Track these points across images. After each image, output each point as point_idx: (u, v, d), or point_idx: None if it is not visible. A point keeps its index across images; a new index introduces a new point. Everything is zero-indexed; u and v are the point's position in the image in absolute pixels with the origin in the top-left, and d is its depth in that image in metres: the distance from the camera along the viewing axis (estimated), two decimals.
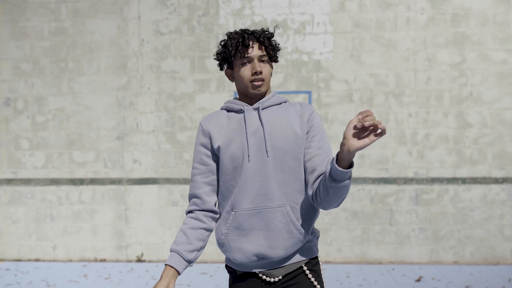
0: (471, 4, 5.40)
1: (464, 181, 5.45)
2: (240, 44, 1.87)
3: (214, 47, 5.58)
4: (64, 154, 5.71)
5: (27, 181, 5.74)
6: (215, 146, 1.92)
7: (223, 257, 5.65)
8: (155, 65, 5.63)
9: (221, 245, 1.93)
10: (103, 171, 5.68)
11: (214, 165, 1.96)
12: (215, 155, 1.95)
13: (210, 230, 1.96)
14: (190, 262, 1.90)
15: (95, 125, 5.68)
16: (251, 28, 5.53)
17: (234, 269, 1.95)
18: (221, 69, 1.98)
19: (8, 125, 5.75)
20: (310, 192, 1.89)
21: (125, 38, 5.64)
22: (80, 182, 5.70)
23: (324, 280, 2.05)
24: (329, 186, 1.70)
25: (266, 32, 1.94)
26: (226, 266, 1.99)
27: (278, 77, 5.53)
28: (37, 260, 5.76)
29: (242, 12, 5.55)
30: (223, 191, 1.94)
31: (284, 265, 1.91)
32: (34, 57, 5.72)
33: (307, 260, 1.94)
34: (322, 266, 2.04)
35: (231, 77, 1.96)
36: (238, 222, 1.88)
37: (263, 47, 1.90)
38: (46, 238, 5.74)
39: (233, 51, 1.88)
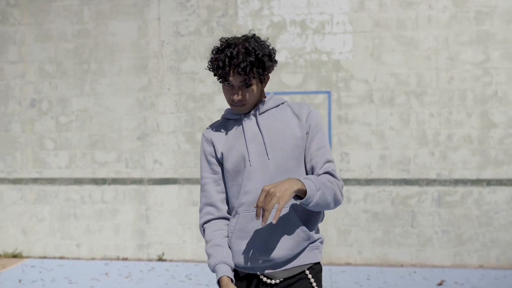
0: (495, 1, 5.26)
1: (489, 183, 5.31)
2: (221, 70, 1.85)
3: None
4: (87, 154, 5.81)
5: (51, 181, 5.87)
6: (219, 154, 1.96)
7: None
8: (175, 66, 5.68)
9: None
10: (125, 171, 5.77)
11: (221, 172, 2.00)
12: (220, 163, 1.99)
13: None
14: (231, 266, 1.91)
15: (117, 125, 5.76)
16: (269, 30, 5.52)
17: (237, 270, 1.97)
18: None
19: (33, 126, 5.89)
20: None
21: (146, 39, 5.71)
22: (103, 182, 5.79)
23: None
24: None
25: (252, 53, 1.83)
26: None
27: (297, 78, 5.51)
28: (61, 257, 5.88)
29: (260, 13, 5.54)
30: (229, 197, 1.98)
31: (287, 267, 1.91)
32: (58, 59, 5.84)
33: (310, 265, 1.94)
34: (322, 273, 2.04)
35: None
36: (241, 225, 1.90)
37: (244, 72, 1.83)
38: (70, 236, 5.86)
39: (214, 71, 1.88)
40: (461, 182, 5.35)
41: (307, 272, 1.93)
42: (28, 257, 5.92)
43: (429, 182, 5.39)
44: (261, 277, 1.92)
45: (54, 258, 5.88)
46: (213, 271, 1.89)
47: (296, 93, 5.51)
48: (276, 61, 1.94)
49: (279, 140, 1.91)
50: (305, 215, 1.92)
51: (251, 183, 1.89)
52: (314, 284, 1.94)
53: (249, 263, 1.90)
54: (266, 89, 5.54)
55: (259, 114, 1.96)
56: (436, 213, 5.38)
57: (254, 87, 1.89)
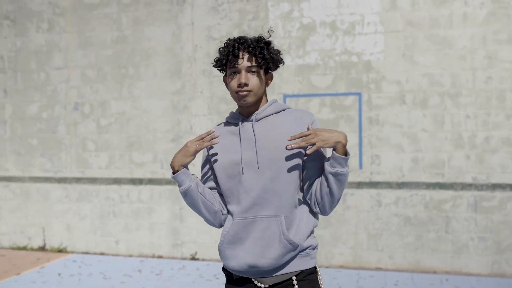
0: None
1: None
2: (231, 53, 1.89)
3: None
4: (125, 155, 6.06)
5: (93, 180, 6.17)
6: (210, 157, 2.02)
7: None
8: (207, 70, 5.80)
9: (219, 251, 2.00)
10: (160, 172, 5.96)
11: (210, 172, 2.06)
12: (210, 163, 2.04)
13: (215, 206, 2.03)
14: (192, 181, 1.97)
15: (152, 127, 5.96)
16: (299, 31, 5.51)
17: (231, 273, 2.01)
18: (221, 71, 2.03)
19: (76, 128, 6.22)
20: (308, 195, 1.95)
21: (180, 44, 5.87)
22: (139, 182, 6.02)
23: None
24: (330, 177, 1.85)
25: (262, 40, 1.92)
26: (223, 269, 2.05)
27: (327, 79, 5.46)
28: (101, 254, 6.17)
29: (291, 15, 5.54)
30: (225, 198, 2.01)
31: (274, 275, 1.92)
32: (99, 64, 6.12)
33: (299, 272, 1.94)
34: (320, 276, 2.00)
35: (227, 86, 1.99)
36: (234, 231, 1.93)
37: (253, 58, 1.88)
38: (110, 233, 6.14)
39: (224, 60, 1.92)
40: (500, 187, 5.10)
41: (294, 278, 1.93)
42: (72, 252, 6.26)
43: (465, 186, 5.18)
44: (254, 281, 1.95)
45: (95, 254, 6.18)
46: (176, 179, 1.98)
47: (326, 95, 5.47)
48: (282, 60, 1.97)
49: (274, 148, 1.90)
50: (296, 226, 1.92)
51: (244, 191, 1.91)
52: None
53: (239, 268, 1.93)
54: (293, 90, 5.54)
55: (256, 121, 1.96)
56: (472, 218, 5.17)
57: (259, 79, 1.91)
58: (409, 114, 5.28)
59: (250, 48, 1.88)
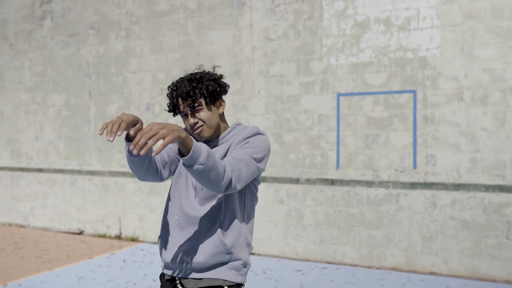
0: None
1: None
2: (171, 103, 2.02)
3: (318, 50, 5.66)
4: None
5: None
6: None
7: (320, 257, 5.69)
8: (264, 70, 5.96)
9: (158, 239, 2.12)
10: None
11: (169, 158, 2.12)
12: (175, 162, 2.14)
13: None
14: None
15: None
16: (353, 29, 5.46)
17: (164, 274, 2.11)
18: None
19: None
20: None
21: (239, 46, 6.10)
22: None
23: None
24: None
25: (194, 80, 1.99)
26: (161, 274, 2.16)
27: (381, 77, 5.36)
28: None
29: (345, 13, 5.52)
30: (171, 196, 2.11)
31: (201, 276, 1.97)
32: (167, 67, 6.56)
33: (229, 285, 1.97)
34: None
35: None
36: (178, 225, 2.02)
37: (191, 99, 1.96)
38: None
39: (170, 108, 2.04)
40: None
41: None
42: (143, 241, 6.76)
43: None
44: (178, 285, 2.01)
45: None
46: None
47: (380, 93, 5.36)
48: (224, 85, 2.04)
49: None
50: (227, 228, 1.98)
51: (178, 198, 2.04)
52: None
53: (170, 260, 2.00)
54: (346, 89, 5.49)
55: (213, 146, 2.06)
56: None
57: (206, 111, 1.99)
58: (468, 112, 5.00)
59: (184, 94, 1.96)
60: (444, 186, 5.09)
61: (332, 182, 5.61)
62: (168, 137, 1.56)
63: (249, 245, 2.06)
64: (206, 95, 1.98)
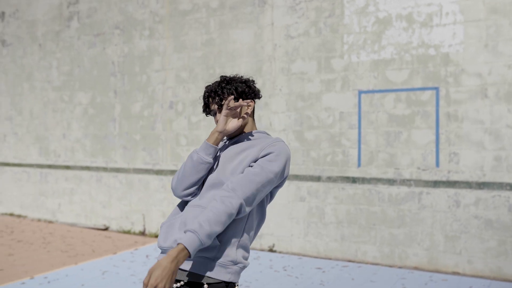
0: None
1: None
2: (204, 103, 2.15)
3: (339, 47, 5.63)
4: None
5: None
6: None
7: (341, 255, 5.67)
8: (286, 68, 5.97)
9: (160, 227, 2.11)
10: None
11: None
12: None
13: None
14: None
15: None
16: (374, 26, 5.42)
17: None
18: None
19: (171, 125, 6.80)
20: None
21: (261, 44, 6.12)
22: None
23: None
24: None
25: (223, 81, 2.10)
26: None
27: (402, 74, 5.30)
28: None
29: (366, 10, 5.48)
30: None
31: (188, 268, 1.90)
32: (190, 66, 6.63)
33: (213, 282, 1.89)
34: None
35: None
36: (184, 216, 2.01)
37: (219, 99, 2.08)
38: None
39: (203, 108, 2.19)
40: None
41: (206, 286, 1.89)
42: None
43: None
44: None
45: None
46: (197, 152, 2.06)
47: (402, 90, 5.30)
48: (255, 88, 2.12)
49: (226, 163, 2.03)
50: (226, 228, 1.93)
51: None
52: None
53: (161, 244, 1.98)
54: (367, 86, 5.45)
55: (230, 140, 2.13)
56: None
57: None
58: (492, 109, 4.90)
59: (213, 94, 2.09)
60: (468, 185, 5.01)
61: (353, 180, 5.58)
62: (167, 285, 1.71)
63: (243, 246, 1.97)
64: (235, 95, 2.07)
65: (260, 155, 1.96)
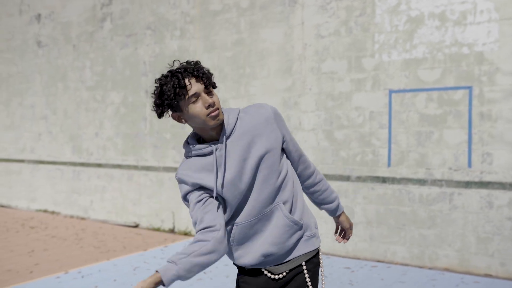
0: None
1: None
2: (178, 86, 1.83)
3: (370, 46, 5.61)
4: None
5: None
6: (202, 189, 1.98)
7: (370, 255, 5.63)
8: (316, 67, 5.97)
9: (229, 254, 2.07)
10: None
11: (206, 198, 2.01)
12: (205, 191, 2.00)
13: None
14: None
15: None
16: (406, 25, 5.38)
17: (243, 267, 2.09)
18: (161, 116, 1.92)
19: None
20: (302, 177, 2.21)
21: (291, 43, 6.13)
22: None
23: (322, 278, 2.16)
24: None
25: (191, 63, 1.92)
26: (235, 263, 2.12)
27: (435, 73, 5.24)
28: None
29: (398, 9, 5.44)
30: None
31: (287, 259, 2.02)
32: (220, 66, 6.69)
33: (309, 258, 2.05)
34: (322, 264, 2.14)
35: (181, 119, 1.93)
36: (241, 234, 2.00)
37: (200, 79, 1.87)
38: None
39: (172, 94, 1.83)
40: None
41: (304, 266, 2.03)
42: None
43: None
44: (265, 272, 2.04)
45: None
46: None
47: (434, 90, 5.24)
48: (212, 73, 1.96)
49: (250, 157, 1.93)
50: (292, 207, 2.02)
51: (243, 202, 1.98)
52: (308, 280, 2.03)
53: (254, 262, 2.01)
54: (399, 86, 5.41)
55: (227, 139, 1.94)
56: None
57: (217, 97, 1.90)
58: None
59: (195, 73, 1.86)
60: (501, 186, 4.92)
61: (383, 180, 5.54)
62: None
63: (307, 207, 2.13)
64: (210, 79, 1.89)
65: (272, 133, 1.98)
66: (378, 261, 5.57)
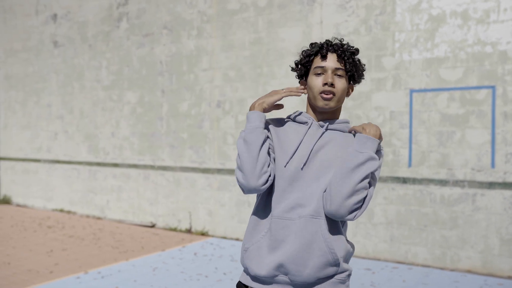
0: None
1: None
2: (318, 53, 1.80)
3: (390, 45, 5.54)
4: None
5: (231, 172, 6.74)
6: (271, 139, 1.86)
7: (390, 256, 5.57)
8: None
9: (245, 250, 1.82)
10: None
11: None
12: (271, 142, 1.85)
13: None
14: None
15: None
16: (427, 24, 5.31)
17: (245, 285, 1.83)
18: (299, 78, 1.91)
19: (219, 124, 6.86)
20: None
21: (309, 42, 6.08)
22: None
23: None
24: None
25: (350, 47, 1.82)
26: (239, 284, 1.85)
27: (457, 72, 5.17)
28: (237, 239, 6.70)
29: (419, 7, 5.37)
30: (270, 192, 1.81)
31: None
32: (238, 65, 6.67)
33: None
34: None
35: (305, 88, 1.85)
36: (272, 231, 1.75)
37: (342, 61, 1.78)
38: (245, 221, 6.63)
39: (307, 59, 1.83)
40: None
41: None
42: (212, 236, 6.91)
43: None
44: None
45: (231, 239, 6.74)
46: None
47: (456, 89, 5.17)
48: (363, 68, 1.86)
49: (330, 161, 1.76)
50: (334, 233, 1.73)
51: (283, 188, 1.76)
52: None
53: (262, 273, 1.76)
54: (420, 85, 5.34)
55: (327, 129, 1.82)
56: None
57: (344, 83, 1.78)
58: None
59: (339, 52, 1.78)
60: None
61: (404, 180, 5.48)
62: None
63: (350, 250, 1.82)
64: (353, 70, 1.80)
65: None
66: (399, 262, 5.51)
